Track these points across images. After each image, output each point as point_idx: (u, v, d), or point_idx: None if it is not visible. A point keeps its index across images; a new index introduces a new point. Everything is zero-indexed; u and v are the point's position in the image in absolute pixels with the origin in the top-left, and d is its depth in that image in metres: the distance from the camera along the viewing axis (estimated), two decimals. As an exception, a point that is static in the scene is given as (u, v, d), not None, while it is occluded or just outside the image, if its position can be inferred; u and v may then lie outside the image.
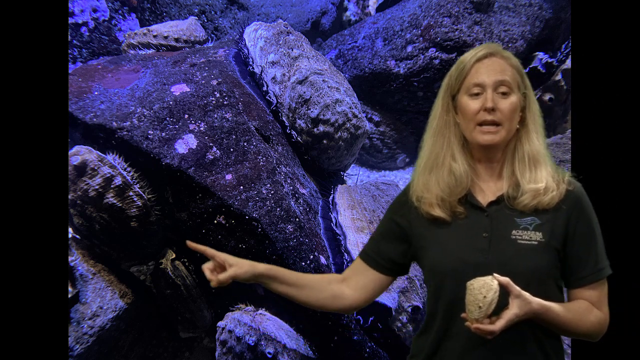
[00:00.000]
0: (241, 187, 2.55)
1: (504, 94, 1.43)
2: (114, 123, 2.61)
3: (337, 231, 2.71)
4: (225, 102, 2.78)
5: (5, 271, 1.49)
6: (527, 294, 1.32)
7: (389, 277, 1.60)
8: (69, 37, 3.96)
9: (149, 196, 2.64)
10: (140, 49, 3.38)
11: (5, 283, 1.49)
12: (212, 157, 2.60)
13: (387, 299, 2.50)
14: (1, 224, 1.50)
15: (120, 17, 4.24)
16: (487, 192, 1.47)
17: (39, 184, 1.56)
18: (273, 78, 2.98)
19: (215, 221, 2.52)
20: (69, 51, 3.95)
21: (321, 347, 2.56)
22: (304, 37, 3.24)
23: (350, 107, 2.96)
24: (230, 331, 2.51)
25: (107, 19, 4.15)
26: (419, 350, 1.51)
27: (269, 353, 2.46)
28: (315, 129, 2.92)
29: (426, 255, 1.49)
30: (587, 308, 1.41)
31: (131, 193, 2.58)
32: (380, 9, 4.69)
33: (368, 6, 5.02)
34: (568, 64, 3.85)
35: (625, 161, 1.60)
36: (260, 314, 2.59)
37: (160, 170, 2.57)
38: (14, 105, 1.55)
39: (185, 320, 2.86)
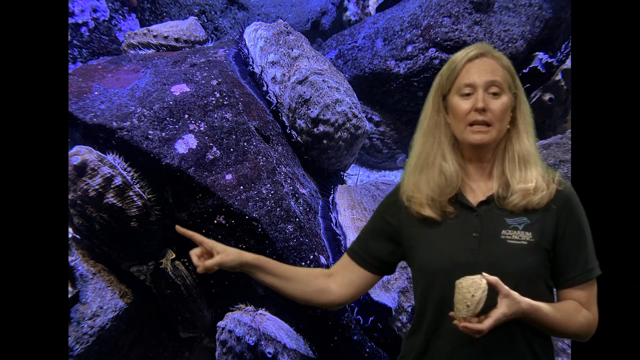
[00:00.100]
0: (241, 187, 2.55)
1: (495, 94, 1.43)
2: (114, 123, 2.61)
3: (337, 231, 2.71)
4: (225, 102, 2.78)
5: (6, 271, 1.49)
6: (515, 294, 1.32)
7: (376, 275, 1.60)
8: (69, 37, 3.96)
9: (149, 196, 2.64)
10: (140, 49, 3.38)
11: (6, 283, 1.49)
12: (212, 157, 2.60)
13: (387, 299, 2.50)
14: (1, 224, 1.50)
15: (120, 17, 4.24)
16: (478, 192, 1.47)
17: (39, 184, 1.56)
18: (273, 78, 2.98)
19: (215, 221, 2.52)
20: (69, 51, 3.95)
21: (321, 347, 2.56)
22: (304, 37, 3.24)
23: (350, 107, 2.96)
24: (230, 331, 2.51)
25: (107, 19, 4.15)
26: (409, 351, 1.51)
27: (269, 353, 2.46)
28: (315, 129, 2.92)
29: (416, 255, 1.49)
30: (576, 308, 1.41)
31: (131, 193, 2.58)
32: (380, 9, 4.69)
33: (368, 6, 5.02)
34: (568, 64, 3.85)
35: (626, 161, 1.60)
36: (260, 314, 2.59)
37: (160, 170, 2.57)
38: (14, 105, 1.55)
39: (185, 320, 2.86)
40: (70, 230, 2.81)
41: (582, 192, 1.66)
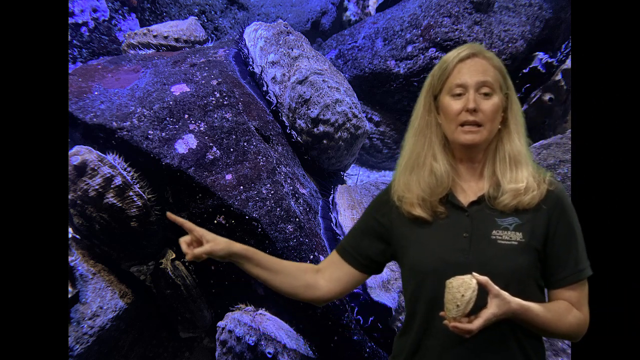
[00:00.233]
0: (241, 187, 2.55)
1: (486, 94, 1.43)
2: (114, 123, 2.61)
3: (337, 231, 2.71)
4: (225, 102, 2.78)
5: (6, 271, 1.49)
6: (506, 294, 1.32)
7: (364, 274, 1.61)
8: (69, 37, 3.96)
9: (149, 196, 2.64)
10: (140, 49, 3.38)
11: (6, 283, 1.49)
12: (212, 157, 2.60)
13: (387, 299, 2.50)
14: (1, 224, 1.50)
15: (120, 17, 4.24)
16: (469, 192, 1.48)
17: (39, 184, 1.56)
18: (273, 78, 2.98)
19: (215, 221, 2.52)
20: (69, 51, 3.95)
21: (321, 347, 2.56)
22: (304, 37, 3.24)
23: (350, 107, 2.96)
24: (230, 331, 2.51)
25: (107, 19, 4.15)
26: (400, 350, 1.51)
27: (269, 353, 2.46)
28: (315, 129, 2.92)
29: (407, 255, 1.49)
30: (566, 308, 1.41)
31: (131, 193, 2.58)
32: (380, 9, 4.68)
33: (368, 6, 5.02)
34: (568, 64, 3.85)
35: (626, 161, 1.60)
36: (260, 314, 2.59)
37: (160, 170, 2.57)
38: (14, 105, 1.55)
39: (185, 320, 2.86)
40: (70, 230, 2.81)
41: (582, 192, 1.66)
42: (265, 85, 3.00)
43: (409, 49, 3.93)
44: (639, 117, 1.60)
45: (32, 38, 1.59)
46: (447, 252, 1.42)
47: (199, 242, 1.50)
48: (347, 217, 2.73)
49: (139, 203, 2.60)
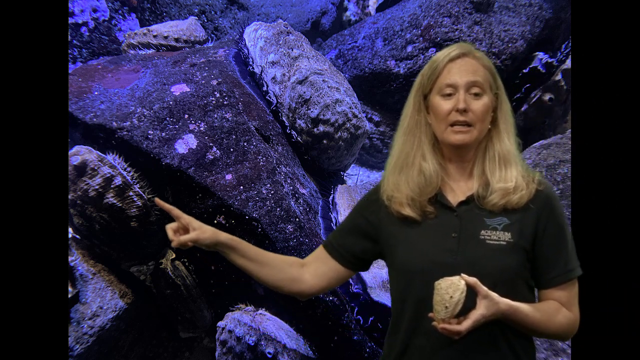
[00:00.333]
0: (241, 187, 2.55)
1: (476, 94, 1.43)
2: (114, 123, 2.61)
3: (337, 231, 2.71)
4: (225, 102, 2.78)
5: (6, 271, 1.49)
6: (494, 295, 1.32)
7: (350, 270, 1.60)
8: (69, 37, 3.96)
9: (149, 196, 2.64)
10: (140, 49, 3.38)
11: (6, 283, 1.49)
12: (212, 157, 2.60)
13: (387, 299, 2.50)
14: (1, 224, 1.50)
15: (120, 17, 4.24)
16: (458, 191, 1.47)
17: (39, 184, 1.56)
18: (273, 78, 2.98)
19: (215, 221, 2.52)
20: (69, 51, 3.95)
21: (321, 347, 2.56)
22: (304, 37, 3.24)
23: (350, 107, 2.96)
24: (230, 331, 2.51)
25: (107, 19, 4.15)
26: (389, 351, 1.51)
27: (269, 353, 2.46)
28: (315, 129, 2.92)
29: (395, 254, 1.49)
30: (556, 308, 1.41)
31: (131, 193, 2.58)
32: (380, 9, 4.68)
33: (368, 6, 5.02)
34: (568, 64, 3.85)
35: (626, 161, 1.60)
36: (260, 314, 2.59)
37: (160, 170, 2.57)
38: (14, 105, 1.55)
39: (185, 320, 2.86)
40: (70, 230, 2.81)
41: (582, 192, 1.65)
42: (265, 85, 3.00)
43: (409, 49, 3.93)
44: (639, 117, 1.60)
45: (32, 38, 1.59)
46: (436, 252, 1.42)
47: (185, 230, 1.50)
48: (347, 217, 2.73)
49: (139, 203, 2.60)
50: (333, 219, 2.76)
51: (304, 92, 2.89)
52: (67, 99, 2.71)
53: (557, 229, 1.42)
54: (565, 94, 3.90)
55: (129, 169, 2.62)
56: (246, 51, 3.14)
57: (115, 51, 4.04)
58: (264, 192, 2.57)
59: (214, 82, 2.85)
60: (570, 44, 3.95)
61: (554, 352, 2.27)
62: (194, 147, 2.60)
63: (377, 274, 2.56)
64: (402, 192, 1.47)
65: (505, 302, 1.33)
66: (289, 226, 2.53)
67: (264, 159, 2.67)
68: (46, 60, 1.60)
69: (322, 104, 2.89)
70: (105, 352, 2.73)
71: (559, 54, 3.93)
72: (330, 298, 2.46)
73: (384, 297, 2.49)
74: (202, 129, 2.66)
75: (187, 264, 2.79)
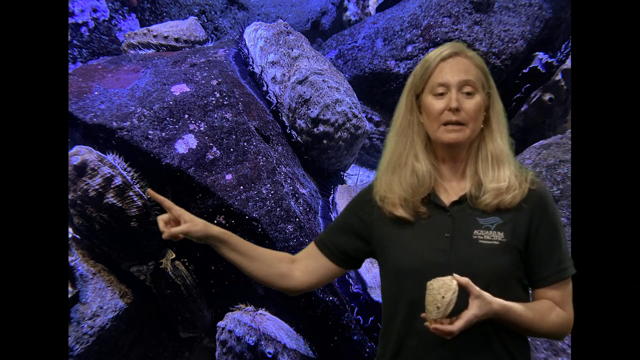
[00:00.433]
0: (241, 187, 2.55)
1: (468, 94, 1.43)
2: (114, 123, 2.61)
3: (337, 231, 2.71)
4: (225, 102, 2.78)
5: (6, 271, 1.49)
6: (487, 295, 1.32)
7: (340, 267, 1.61)
8: (69, 37, 3.96)
9: (149, 196, 2.64)
10: (140, 49, 3.38)
11: (6, 283, 1.49)
12: (212, 157, 2.60)
13: (387, 299, 2.50)
14: (1, 224, 1.50)
15: (120, 17, 4.24)
16: (451, 191, 1.47)
17: (39, 184, 1.56)
18: (273, 78, 2.98)
19: (215, 221, 2.52)
20: (69, 51, 3.95)
21: (321, 347, 2.56)
22: (304, 37, 3.24)
23: (350, 107, 2.96)
24: (230, 331, 2.51)
25: (107, 19, 4.15)
26: (383, 352, 1.51)
27: (269, 353, 2.46)
28: (315, 129, 2.92)
29: (388, 255, 1.49)
30: (549, 308, 1.41)
31: (131, 193, 2.58)
32: (380, 9, 4.68)
33: (368, 6, 5.02)
34: (568, 64, 3.85)
35: (626, 161, 1.60)
36: (260, 314, 2.59)
37: (160, 170, 2.57)
38: (14, 105, 1.55)
39: (185, 320, 2.86)
40: (70, 230, 2.81)
41: (582, 192, 1.65)
42: (265, 85, 3.00)
43: (409, 49, 3.93)
44: (639, 117, 1.60)
45: (32, 38, 1.59)
46: (429, 252, 1.42)
47: (176, 222, 1.50)
48: (347, 217, 2.73)
49: (139, 203, 2.60)
50: (333, 219, 2.76)
51: (304, 92, 2.89)
52: (67, 99, 2.71)
53: (550, 228, 1.42)
54: (565, 94, 3.90)
55: (129, 169, 2.62)
56: (246, 51, 3.14)
57: (115, 51, 4.04)
58: (264, 192, 2.57)
59: (214, 82, 2.85)
60: (570, 44, 3.95)
61: (554, 352, 2.27)
62: (194, 147, 2.60)
63: (377, 274, 2.56)
64: (394, 192, 1.47)
65: (498, 301, 1.33)
66: (289, 226, 2.53)
67: (264, 159, 2.67)
68: (46, 60, 1.60)
69: (322, 104, 2.89)
70: (105, 352, 2.73)
71: (559, 54, 3.93)
72: (330, 298, 2.47)
73: (384, 297, 2.49)
74: (202, 129, 2.66)
75: (187, 264, 2.79)
